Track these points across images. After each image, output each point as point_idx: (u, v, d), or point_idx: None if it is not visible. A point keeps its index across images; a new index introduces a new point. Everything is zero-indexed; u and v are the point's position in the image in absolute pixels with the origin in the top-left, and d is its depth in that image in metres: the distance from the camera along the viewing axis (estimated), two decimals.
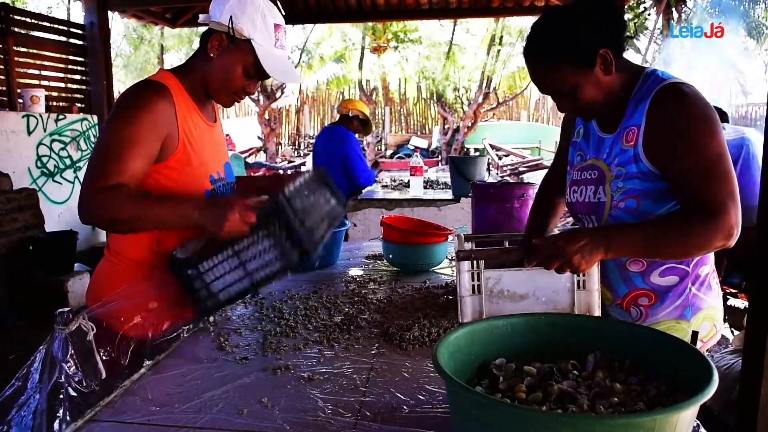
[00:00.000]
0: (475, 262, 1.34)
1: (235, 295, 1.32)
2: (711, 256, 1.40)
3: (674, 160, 1.24)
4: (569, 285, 1.34)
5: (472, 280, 1.34)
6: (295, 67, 1.59)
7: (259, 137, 14.58)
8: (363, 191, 4.40)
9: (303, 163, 12.29)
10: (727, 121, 4.26)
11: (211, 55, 1.42)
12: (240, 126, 16.12)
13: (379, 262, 2.33)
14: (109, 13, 5.89)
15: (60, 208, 5.11)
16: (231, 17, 1.38)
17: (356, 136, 4.39)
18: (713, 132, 1.23)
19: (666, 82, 1.28)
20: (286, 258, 1.28)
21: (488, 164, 5.29)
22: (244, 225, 1.25)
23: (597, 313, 1.36)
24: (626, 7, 5.87)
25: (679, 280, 1.37)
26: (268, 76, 1.45)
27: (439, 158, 14.05)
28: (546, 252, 1.22)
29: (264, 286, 1.34)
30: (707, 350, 1.43)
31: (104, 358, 1.17)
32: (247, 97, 1.56)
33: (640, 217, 1.32)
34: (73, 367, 1.07)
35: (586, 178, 1.43)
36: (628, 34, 1.33)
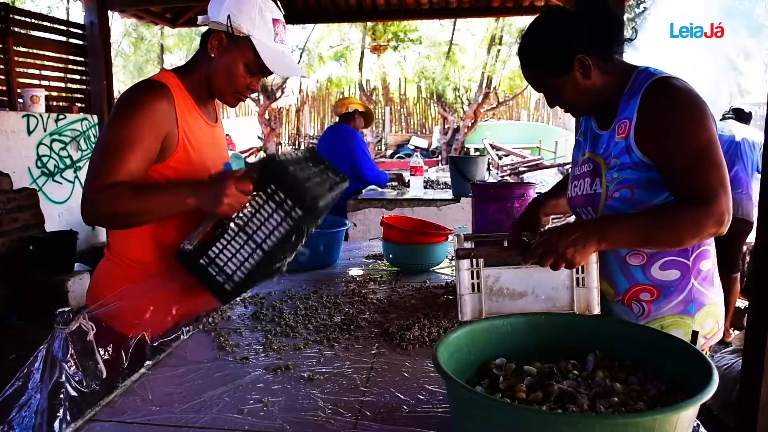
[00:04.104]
0: (474, 260, 1.34)
1: (251, 271, 1.31)
2: (712, 252, 1.40)
3: (665, 152, 1.27)
4: (568, 282, 1.34)
5: (472, 278, 1.34)
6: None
7: (259, 137, 14.58)
8: (363, 191, 4.40)
9: None
10: (749, 120, 4.28)
11: (212, 54, 1.43)
12: (240, 126, 16.11)
13: (379, 262, 2.33)
14: (109, 12, 5.88)
15: (60, 208, 5.11)
16: (229, 15, 1.38)
17: (360, 132, 4.40)
18: (702, 122, 1.25)
19: (656, 76, 1.31)
20: (291, 217, 1.28)
21: (488, 164, 5.28)
22: (242, 195, 1.25)
23: (596, 310, 1.36)
24: (626, 6, 5.85)
25: (681, 275, 1.37)
26: (270, 72, 1.46)
27: (439, 158, 14.05)
28: (540, 249, 1.23)
29: (280, 258, 1.32)
30: (710, 348, 1.43)
31: (104, 358, 1.17)
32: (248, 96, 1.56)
33: (635, 207, 1.34)
34: (74, 367, 1.07)
35: (584, 172, 1.47)
36: (627, 37, 1.36)
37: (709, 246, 1.40)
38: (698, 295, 1.37)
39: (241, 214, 1.29)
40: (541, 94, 1.45)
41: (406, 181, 4.74)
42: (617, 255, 1.41)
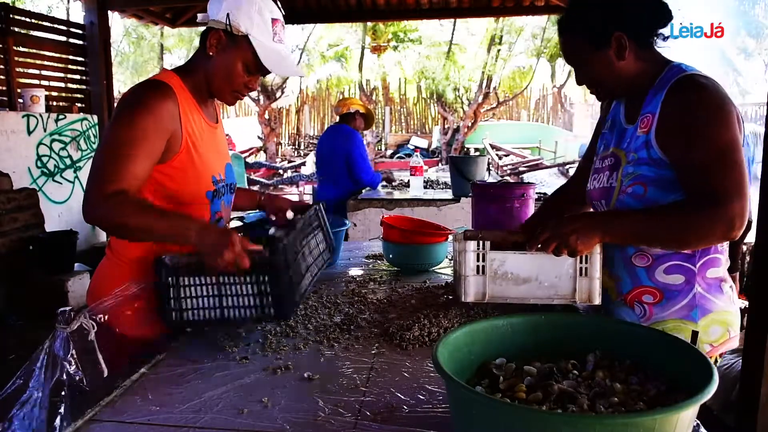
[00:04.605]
0: (480, 243, 1.34)
1: (201, 320, 1.35)
2: (723, 260, 1.37)
3: (684, 148, 1.24)
4: (571, 272, 1.35)
5: (477, 260, 1.34)
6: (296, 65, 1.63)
7: (259, 137, 14.59)
8: (363, 191, 4.41)
9: (303, 163, 12.30)
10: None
11: (211, 53, 1.43)
12: (240, 126, 16.13)
13: (379, 262, 2.33)
14: (109, 12, 5.89)
15: (60, 208, 5.11)
16: (228, 14, 1.38)
17: (360, 133, 4.42)
18: (727, 123, 1.22)
19: (685, 73, 1.29)
20: (262, 312, 1.33)
21: (488, 164, 5.28)
22: (235, 268, 1.27)
23: (597, 300, 1.36)
24: None
25: (685, 280, 1.34)
26: (268, 71, 1.46)
27: (439, 158, 14.07)
28: (545, 234, 1.23)
29: (234, 322, 1.37)
30: (719, 355, 1.39)
31: (104, 357, 1.17)
32: (247, 95, 1.57)
33: (646, 205, 1.31)
34: (74, 366, 1.07)
35: (605, 165, 1.46)
36: (667, 34, 1.35)
37: (720, 254, 1.36)
38: (703, 302, 1.33)
39: (226, 277, 1.31)
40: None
41: (395, 183, 4.76)
42: (624, 255, 1.39)
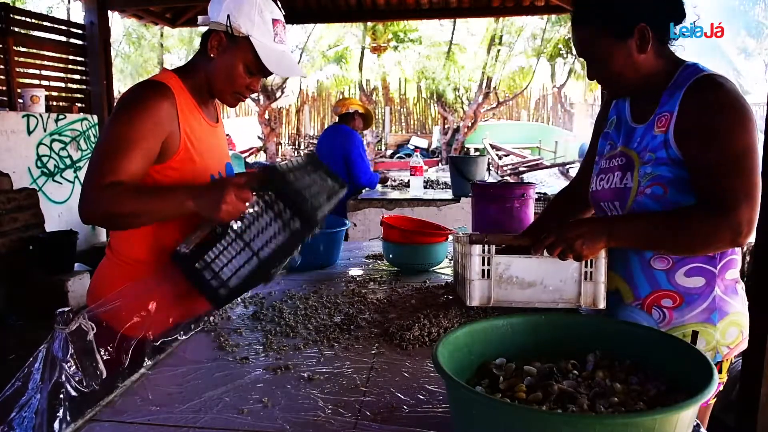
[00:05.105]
0: (486, 246, 1.34)
1: (246, 277, 1.32)
2: (738, 261, 1.35)
3: (699, 150, 1.22)
4: (576, 276, 1.35)
5: (482, 264, 1.34)
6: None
7: (259, 137, 14.58)
8: (363, 191, 4.41)
9: None
10: None
11: (212, 55, 1.43)
12: (240, 126, 16.13)
13: (379, 262, 2.33)
14: (109, 12, 5.89)
15: (60, 208, 5.11)
16: (228, 15, 1.38)
17: (359, 132, 4.41)
18: (745, 126, 1.20)
19: (703, 72, 1.27)
20: (289, 228, 1.28)
21: (488, 164, 5.29)
22: (242, 204, 1.25)
23: (602, 305, 1.36)
24: None
25: (706, 282, 1.31)
26: (270, 72, 1.46)
27: (439, 158, 14.07)
28: (550, 239, 1.22)
29: (275, 265, 1.33)
30: (733, 357, 1.37)
31: (104, 357, 1.17)
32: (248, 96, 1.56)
33: (666, 207, 1.28)
34: (74, 367, 1.07)
35: (614, 165, 1.41)
36: (675, 33, 1.32)
37: (737, 255, 1.34)
38: (722, 304, 1.31)
39: (239, 221, 1.29)
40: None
41: (395, 184, 4.75)
42: (642, 258, 1.35)
